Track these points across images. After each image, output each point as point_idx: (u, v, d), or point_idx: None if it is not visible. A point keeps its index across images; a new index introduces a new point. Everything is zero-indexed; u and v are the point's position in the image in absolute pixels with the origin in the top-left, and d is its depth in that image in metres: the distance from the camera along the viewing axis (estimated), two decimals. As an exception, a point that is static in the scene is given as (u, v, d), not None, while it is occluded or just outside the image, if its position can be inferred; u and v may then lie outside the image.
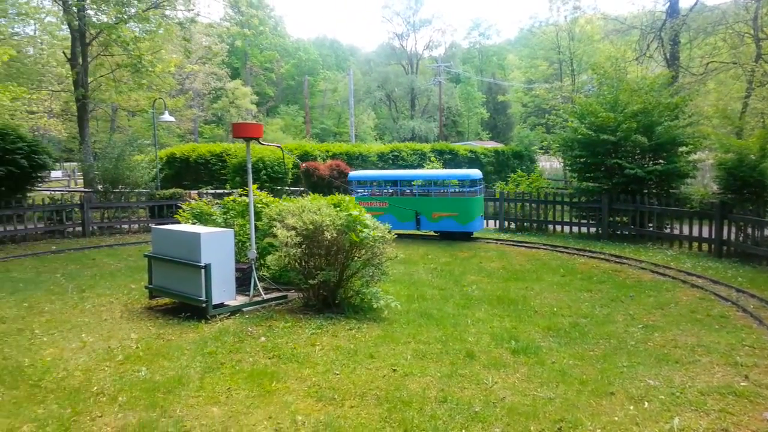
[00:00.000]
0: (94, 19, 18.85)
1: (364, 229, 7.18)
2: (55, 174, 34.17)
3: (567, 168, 19.88)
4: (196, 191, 17.43)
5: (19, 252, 12.23)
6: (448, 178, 14.46)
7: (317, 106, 66.09)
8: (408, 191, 14.54)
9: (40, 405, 4.76)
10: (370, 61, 70.43)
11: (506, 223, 15.61)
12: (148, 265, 7.98)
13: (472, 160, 27.79)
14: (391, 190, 14.77)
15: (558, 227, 15.02)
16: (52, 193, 19.20)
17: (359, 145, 28.63)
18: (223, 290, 7.37)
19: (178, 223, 8.97)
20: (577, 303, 8.07)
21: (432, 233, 14.50)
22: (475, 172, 14.17)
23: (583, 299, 8.30)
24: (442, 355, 5.83)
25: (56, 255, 11.95)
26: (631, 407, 4.67)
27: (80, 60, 18.69)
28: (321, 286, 7.43)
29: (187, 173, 22.39)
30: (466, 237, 13.96)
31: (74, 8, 17.51)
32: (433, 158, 22.93)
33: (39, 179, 14.69)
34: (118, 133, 28.92)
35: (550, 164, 37.97)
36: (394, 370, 5.42)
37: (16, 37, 27.80)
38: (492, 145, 37.86)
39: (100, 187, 16.52)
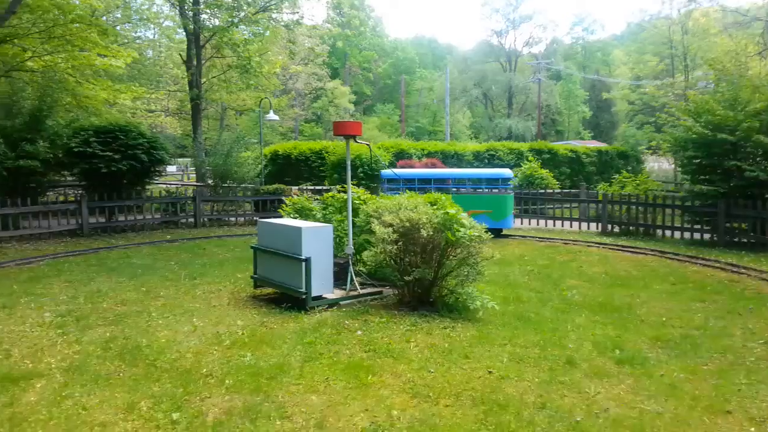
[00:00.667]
0: (208, 23, 20.04)
1: (461, 228, 7.12)
2: (170, 169, 36.81)
3: (679, 169, 18.65)
4: (296, 187, 18.09)
5: (138, 240, 13.28)
6: (482, 177, 14.87)
7: (413, 104, 66.39)
8: (444, 189, 14.70)
9: (156, 383, 5.13)
10: (466, 59, 69.68)
11: (609, 227, 14.89)
12: (253, 256, 8.38)
13: (573, 160, 26.77)
14: (426, 189, 14.92)
15: (667, 232, 14.11)
16: (168, 186, 20.66)
17: (454, 143, 28.44)
18: (322, 283, 7.59)
19: (281, 217, 9.34)
20: (688, 313, 7.54)
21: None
22: (507, 171, 14.65)
23: (695, 310, 7.75)
24: (540, 361, 5.66)
25: (170, 244, 12.85)
26: (752, 429, 4.30)
27: (195, 62, 19.98)
28: (416, 283, 7.46)
29: (288, 170, 23.28)
30: (498, 234, 14.11)
31: (190, 13, 18.71)
32: (531, 157, 22.33)
33: (157, 173, 15.87)
34: (226, 130, 30.57)
35: (659, 165, 35.78)
36: (490, 372, 5.33)
37: (138, 41, 30.17)
38: (594, 144, 36.26)
39: (210, 181, 17.57)
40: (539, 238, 14.08)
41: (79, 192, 15.47)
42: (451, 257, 7.37)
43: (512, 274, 9.79)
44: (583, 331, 6.68)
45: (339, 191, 10.00)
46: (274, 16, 21.42)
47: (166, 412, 4.54)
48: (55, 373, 5.33)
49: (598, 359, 5.74)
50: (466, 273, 7.37)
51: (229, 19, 19.57)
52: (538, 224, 16.18)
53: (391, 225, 7.33)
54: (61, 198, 16.71)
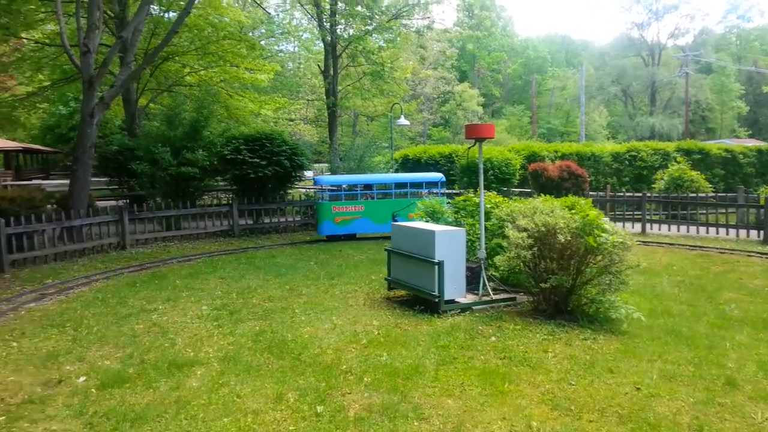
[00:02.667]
0: (344, 34, 20.91)
1: (602, 234, 6.77)
2: (308, 174, 38.81)
3: None
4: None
5: (281, 241, 14.18)
6: (416, 180, 15.26)
7: (544, 105, 64.19)
8: (385, 194, 14.74)
9: (301, 376, 5.44)
10: (603, 55, 66.00)
11: (773, 235, 13.30)
12: (387, 258, 8.60)
13: (728, 161, 24.30)
14: (368, 194, 14.78)
15: None
16: (307, 190, 21.82)
17: (591, 144, 27.07)
18: (455, 287, 7.59)
19: (413, 220, 9.48)
20: None
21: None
22: (438, 175, 15.19)
23: None
24: (696, 379, 5.21)
25: (309, 245, 13.57)
26: None
27: (331, 71, 20.93)
28: (552, 291, 7.20)
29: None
30: None
31: (327, 24, 19.64)
32: (679, 158, 20.60)
33: (297, 178, 16.83)
34: (359, 136, 31.70)
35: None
36: (638, 388, 5.00)
37: (279, 54, 32.24)
38: (753, 143, 32.64)
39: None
40: (690, 246, 12.96)
41: (230, 196, 16.84)
42: (591, 264, 7.02)
43: (660, 285, 9.10)
44: (746, 349, 6.04)
45: (471, 195, 9.95)
46: (405, 22, 21.85)
47: (310, 404, 4.80)
48: (213, 362, 5.85)
49: (765, 381, 5.16)
50: (608, 282, 6.97)
51: (364, 28, 20.28)
52: (687, 231, 14.88)
53: (525, 229, 7.15)
54: (215, 201, 18.29)
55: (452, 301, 7.59)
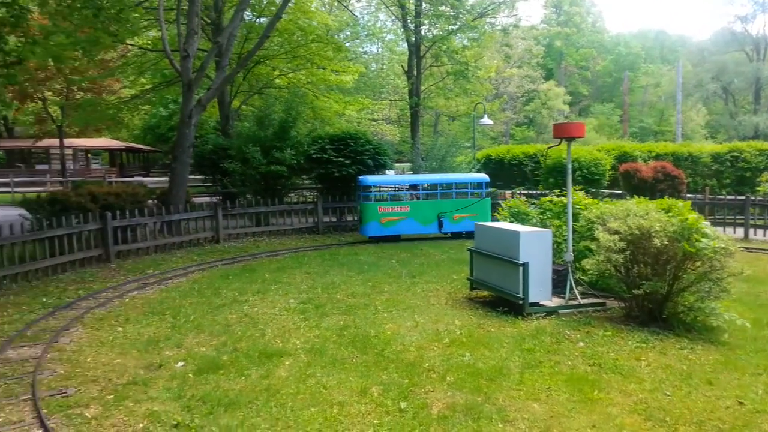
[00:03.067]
0: (428, 34, 20.94)
1: (702, 239, 6.39)
2: (389, 173, 39.17)
3: None
4: (509, 191, 17.94)
5: (363, 239, 14.39)
6: (462, 181, 14.75)
7: (636, 103, 61.19)
8: (431, 195, 14.36)
9: (384, 372, 5.53)
10: (702, 51, 61.91)
11: None
12: (470, 258, 8.54)
13: None
14: (415, 195, 14.52)
15: None
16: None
17: (688, 144, 25.55)
18: (540, 290, 7.42)
19: (495, 221, 9.36)
20: None
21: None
22: (483, 176, 14.96)
23: None
24: (808, 397, 4.82)
25: (392, 244, 13.68)
26: None
27: (415, 71, 21.01)
28: (646, 297, 6.88)
29: (501, 174, 23.19)
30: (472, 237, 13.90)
31: (412, 25, 19.73)
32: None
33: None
34: (440, 136, 31.67)
35: None
36: (741, 403, 4.69)
37: (364, 56, 32.75)
38: None
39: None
40: (800, 254, 11.96)
41: (315, 194, 17.30)
42: (689, 270, 6.64)
43: (765, 294, 8.47)
44: None
45: (558, 195, 9.69)
46: (490, 20, 21.59)
47: (394, 399, 4.87)
48: (300, 354, 6.05)
49: None
50: (707, 289, 6.58)
51: (448, 28, 20.23)
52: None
53: (617, 232, 6.87)
54: (301, 199, 18.85)
55: (537, 304, 7.43)
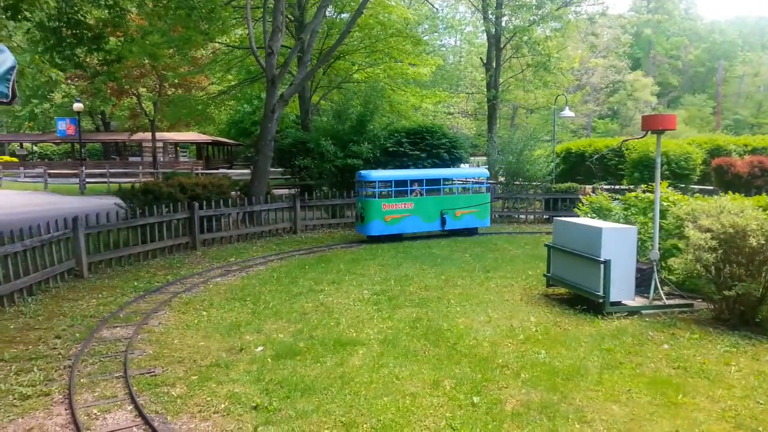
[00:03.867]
0: (509, 25, 20.51)
1: (806, 239, 5.90)
2: (464, 166, 38.82)
3: None
4: (590, 186, 17.32)
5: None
6: (464, 176, 14.26)
7: (731, 94, 57.22)
8: (434, 191, 13.49)
9: (457, 366, 5.50)
10: (811, 36, 57.05)
11: None
12: (547, 254, 8.32)
13: None
14: (417, 190, 13.36)
15: None
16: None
17: (791, 138, 23.62)
18: (622, 288, 7.13)
19: (574, 216, 9.05)
20: None
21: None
22: (483, 171, 14.57)
23: None
24: None
25: (464, 238, 13.55)
26: None
27: (494, 63, 20.65)
28: (738, 299, 6.46)
29: (581, 168, 22.39)
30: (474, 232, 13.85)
31: (492, 16, 19.39)
32: None
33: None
34: (517, 129, 31.06)
35: None
36: None
37: (442, 49, 32.55)
38: None
39: (502, 179, 18.01)
40: None
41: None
42: (789, 273, 6.17)
43: None
44: None
45: (644, 191, 9.24)
46: (576, 9, 20.85)
47: (467, 394, 4.84)
48: (373, 343, 6.13)
49: None
50: (809, 293, 6.09)
51: (530, 18, 19.73)
52: None
53: (709, 230, 6.48)
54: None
55: (618, 303, 7.14)
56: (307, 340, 6.24)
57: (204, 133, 40.26)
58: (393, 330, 6.58)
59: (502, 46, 20.67)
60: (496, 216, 16.39)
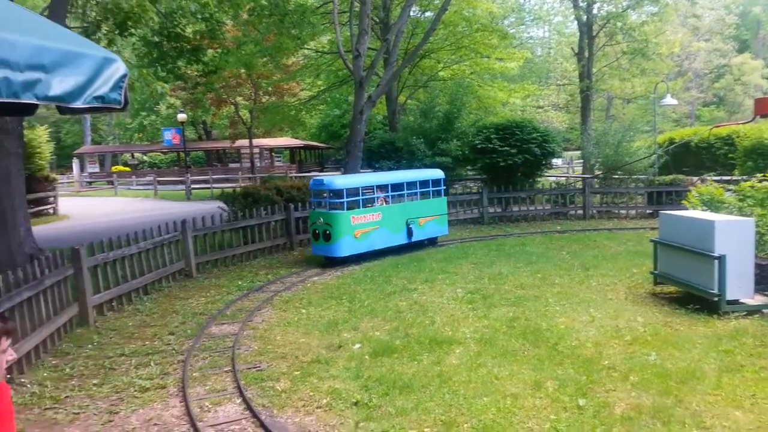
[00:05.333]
0: (602, 12, 19.63)
1: None
2: (555, 162, 37.59)
3: None
4: (697, 177, 16.18)
5: (531, 230, 13.98)
6: (424, 179, 12.06)
7: None
8: (398, 197, 11.67)
9: (559, 367, 5.31)
10: None
11: None
12: (653, 250, 7.86)
13: None
14: (382, 198, 11.47)
15: None
16: (557, 178, 21.14)
17: None
18: (739, 286, 6.60)
19: (681, 210, 8.48)
20: None
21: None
22: (439, 172, 12.49)
23: None
24: None
25: (561, 234, 13.12)
26: None
27: (586, 53, 19.84)
28: None
29: (686, 159, 20.94)
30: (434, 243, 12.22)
31: (583, 4, 18.63)
32: None
33: (547, 165, 16.40)
34: (613, 121, 29.63)
35: None
36: None
37: (529, 41, 31.68)
38: None
39: (599, 172, 17.24)
40: None
41: (480, 185, 17.16)
42: None
43: None
44: None
45: (761, 180, 8.51)
46: (674, -10, 19.60)
47: (571, 396, 4.66)
48: (470, 343, 6.06)
49: None
50: None
51: (624, 3, 18.76)
52: None
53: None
54: (466, 190, 18.82)
55: (736, 302, 6.62)
56: (403, 338, 6.27)
57: (296, 138, 41.63)
58: (489, 329, 6.47)
59: (594, 34, 19.78)
60: (594, 212, 15.71)
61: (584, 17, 18.93)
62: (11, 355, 2.13)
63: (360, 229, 10.61)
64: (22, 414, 4.77)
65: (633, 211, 15.61)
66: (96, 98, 2.17)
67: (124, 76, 2.24)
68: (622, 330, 6.21)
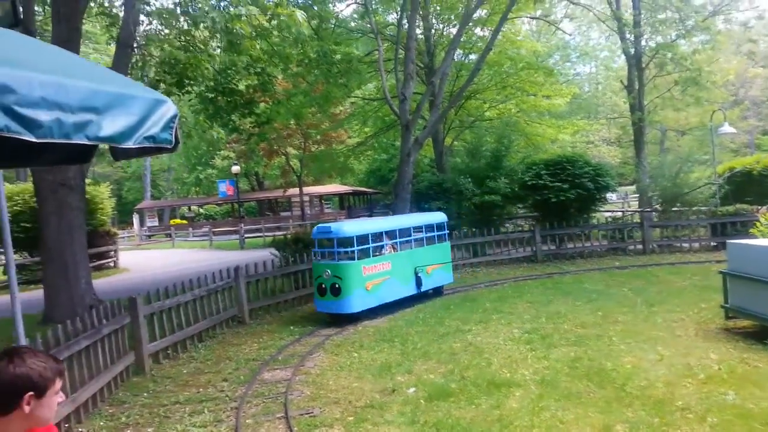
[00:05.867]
0: (651, 43, 19.36)
1: None
2: (610, 196, 36.64)
3: None
4: (765, 207, 15.36)
5: (587, 266, 13.49)
6: (429, 223, 11.21)
7: None
8: (405, 243, 10.63)
9: (628, 408, 4.97)
10: None
11: None
12: (723, 282, 7.40)
13: None
14: (389, 245, 10.41)
15: None
16: (613, 213, 20.50)
17: None
18: (824, 319, 6.09)
19: (750, 239, 8.00)
20: None
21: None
22: (442, 215, 11.69)
23: None
24: None
25: (620, 270, 12.59)
26: None
27: (636, 85, 19.49)
28: None
29: (749, 188, 20.00)
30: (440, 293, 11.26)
31: (630, 36, 18.43)
32: None
33: (602, 200, 15.92)
34: (668, 153, 28.77)
35: None
36: None
37: (576, 78, 31.47)
38: None
39: (657, 205, 16.65)
40: None
41: (531, 222, 16.84)
42: None
43: None
44: None
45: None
46: (726, 17, 19.15)
47: (643, 440, 4.33)
48: (530, 385, 5.77)
49: None
50: None
51: (673, 34, 18.45)
52: None
53: None
54: (516, 228, 18.49)
55: (821, 336, 6.09)
56: (458, 381, 6.04)
57: (345, 184, 42.28)
58: (550, 370, 6.15)
59: (644, 65, 19.45)
60: (654, 246, 15.06)
61: (632, 50, 18.66)
62: (61, 397, 2.12)
63: (371, 280, 9.55)
64: (79, 462, 4.79)
65: (696, 244, 14.89)
66: (147, 138, 2.19)
67: (175, 116, 2.27)
68: (695, 368, 5.79)
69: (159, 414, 5.81)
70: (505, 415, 5.03)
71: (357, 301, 9.27)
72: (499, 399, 5.45)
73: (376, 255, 9.97)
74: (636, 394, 5.28)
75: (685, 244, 15.02)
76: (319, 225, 10.21)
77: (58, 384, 2.07)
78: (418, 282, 10.52)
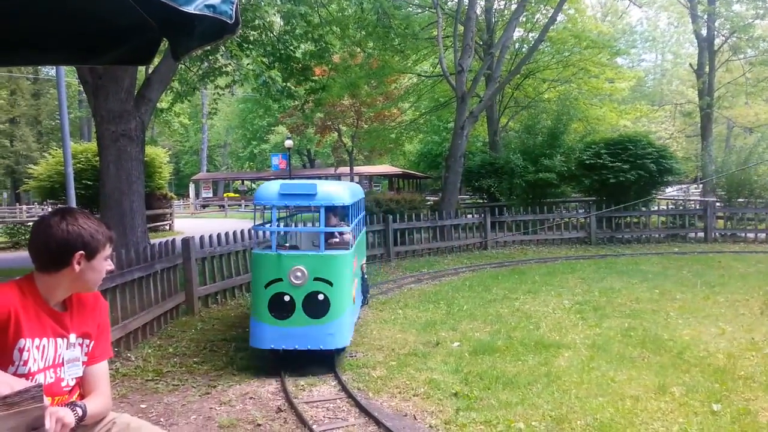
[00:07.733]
0: (726, 23, 18.33)
1: None
2: (669, 191, 35.15)
3: None
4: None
5: (644, 251, 12.96)
6: (360, 199, 7.37)
7: None
8: (356, 227, 6.73)
9: (685, 374, 4.74)
10: None
11: None
12: (795, 262, 6.94)
13: None
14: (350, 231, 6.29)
15: None
16: (675, 199, 19.63)
17: None
18: None
19: None
20: None
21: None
22: (360, 188, 8.02)
23: None
24: None
25: (679, 256, 12.04)
26: None
27: (706, 68, 18.52)
28: None
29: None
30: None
31: (703, 15, 17.50)
32: None
33: (664, 184, 15.21)
34: (733, 150, 27.36)
35: None
36: None
37: (641, 65, 30.23)
38: None
39: (722, 194, 15.85)
40: None
41: (588, 202, 16.24)
42: None
43: None
44: None
45: None
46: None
47: (702, 401, 4.11)
48: (580, 348, 5.56)
49: None
50: None
51: (753, 12, 17.37)
52: None
53: None
54: (571, 208, 17.92)
55: None
56: (505, 340, 5.88)
57: (395, 166, 42.11)
58: (602, 337, 5.93)
59: (716, 48, 18.40)
60: (717, 235, 14.34)
61: (703, 31, 17.65)
62: (110, 265, 2.10)
63: (353, 285, 5.75)
64: (125, 383, 4.91)
65: (763, 235, 14.09)
66: (207, 6, 2.11)
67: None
68: (759, 343, 5.47)
69: (205, 348, 5.91)
70: (552, 372, 4.87)
71: (347, 325, 5.31)
72: (547, 357, 5.29)
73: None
74: (694, 362, 5.02)
75: (750, 234, 14.24)
76: (285, 182, 5.48)
77: (108, 249, 2.05)
78: (364, 285, 7.36)
